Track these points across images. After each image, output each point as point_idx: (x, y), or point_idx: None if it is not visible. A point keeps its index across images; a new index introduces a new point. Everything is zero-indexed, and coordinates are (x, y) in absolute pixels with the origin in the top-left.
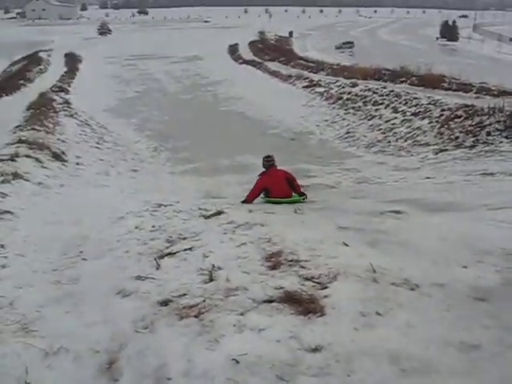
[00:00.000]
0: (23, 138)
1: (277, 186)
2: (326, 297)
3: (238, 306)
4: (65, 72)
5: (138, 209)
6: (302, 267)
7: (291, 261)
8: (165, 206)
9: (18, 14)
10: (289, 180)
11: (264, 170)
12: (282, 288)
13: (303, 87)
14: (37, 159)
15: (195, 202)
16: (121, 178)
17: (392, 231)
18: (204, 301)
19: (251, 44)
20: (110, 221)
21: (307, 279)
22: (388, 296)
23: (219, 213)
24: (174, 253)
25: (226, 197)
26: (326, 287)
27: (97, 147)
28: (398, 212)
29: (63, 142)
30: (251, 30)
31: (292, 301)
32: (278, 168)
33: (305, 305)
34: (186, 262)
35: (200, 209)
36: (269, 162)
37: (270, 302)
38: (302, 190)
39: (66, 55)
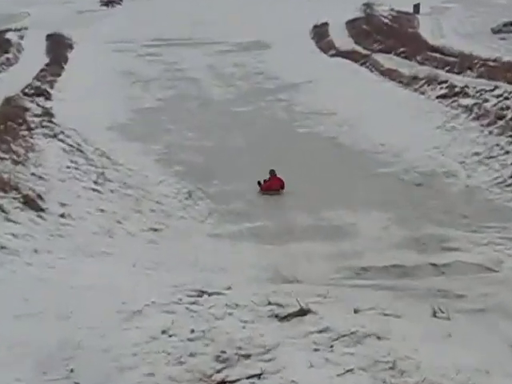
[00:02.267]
0: None
1: (274, 186)
2: None
3: None
4: (46, 64)
5: (164, 298)
6: None
7: None
8: (209, 294)
9: None
10: (281, 184)
11: (269, 176)
12: None
13: (438, 97)
14: None
15: (259, 288)
16: (133, 243)
17: None
18: None
19: (350, 24)
20: (118, 317)
21: None
22: None
23: (303, 312)
24: (233, 382)
25: (310, 281)
26: None
27: (95, 190)
28: None
29: (40, 178)
30: (350, 1)
31: None
32: (278, 176)
33: None
34: None
35: (270, 303)
36: (272, 172)
37: None
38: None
39: (49, 37)
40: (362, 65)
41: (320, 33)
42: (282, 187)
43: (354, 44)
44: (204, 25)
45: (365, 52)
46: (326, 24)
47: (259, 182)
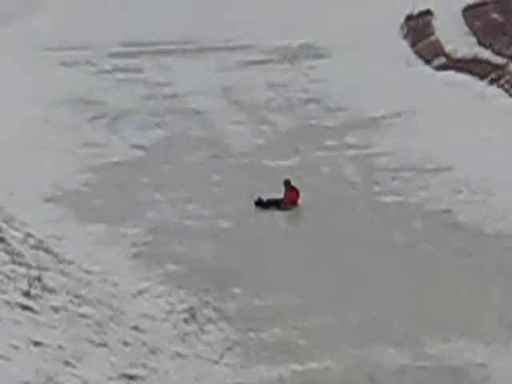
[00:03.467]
0: None
1: (294, 199)
2: None
3: None
4: None
5: None
6: None
7: None
8: None
9: None
10: (298, 196)
11: (285, 188)
12: None
13: None
14: None
15: None
16: None
17: None
18: None
19: (471, 12)
20: None
21: None
22: None
23: None
24: None
25: None
26: None
27: (26, 307)
28: None
29: None
30: None
31: None
32: (294, 187)
33: None
34: None
35: None
36: (287, 183)
37: None
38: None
39: None
40: (492, 83)
41: (418, 28)
42: (297, 199)
43: (479, 46)
44: (216, 17)
45: (497, 61)
46: (428, 13)
47: (259, 202)
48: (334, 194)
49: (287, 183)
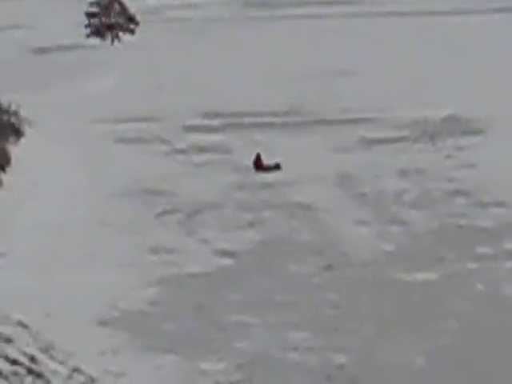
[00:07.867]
0: None
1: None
2: None
3: None
4: None
5: None
6: None
7: None
8: None
9: None
10: (258, 165)
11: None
12: None
13: None
14: None
15: None
16: None
17: None
18: None
19: None
20: None
21: None
22: None
23: None
24: None
25: None
26: None
27: None
28: None
29: None
30: None
31: None
32: (260, 160)
33: None
34: None
35: None
36: (258, 156)
37: None
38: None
39: None
40: None
41: None
42: (258, 167)
43: None
44: (328, 81)
45: None
46: None
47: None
48: (490, 320)
49: (257, 155)
